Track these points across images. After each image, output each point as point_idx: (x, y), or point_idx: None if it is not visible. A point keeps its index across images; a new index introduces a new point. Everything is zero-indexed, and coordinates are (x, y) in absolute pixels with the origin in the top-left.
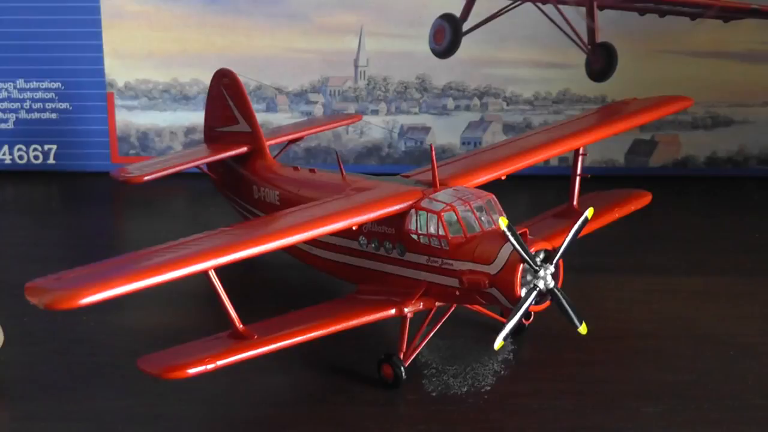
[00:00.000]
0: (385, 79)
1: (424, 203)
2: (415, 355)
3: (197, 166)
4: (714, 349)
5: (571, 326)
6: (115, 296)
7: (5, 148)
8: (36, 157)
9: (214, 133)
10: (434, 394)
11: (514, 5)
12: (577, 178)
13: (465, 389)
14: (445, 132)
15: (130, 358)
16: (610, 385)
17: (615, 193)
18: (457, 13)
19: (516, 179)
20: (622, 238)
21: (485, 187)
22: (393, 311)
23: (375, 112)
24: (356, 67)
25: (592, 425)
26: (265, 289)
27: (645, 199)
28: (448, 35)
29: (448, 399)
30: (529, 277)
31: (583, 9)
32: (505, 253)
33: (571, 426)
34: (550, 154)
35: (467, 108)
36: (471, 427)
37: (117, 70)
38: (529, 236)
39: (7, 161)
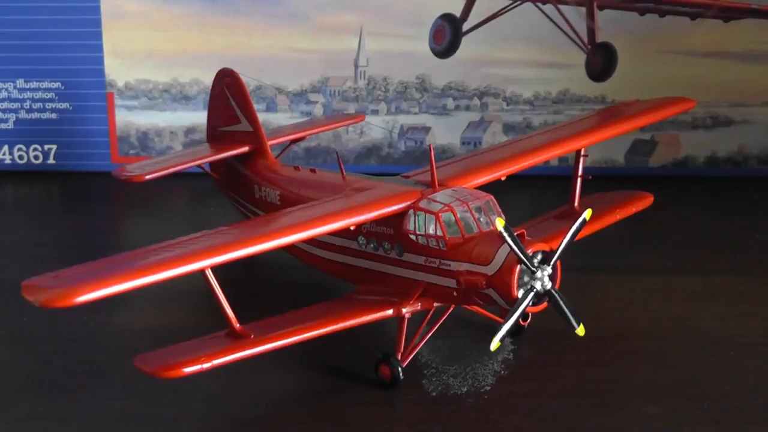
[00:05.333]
0: (385, 79)
1: (422, 204)
2: (413, 355)
3: (199, 166)
4: (714, 349)
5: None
6: (111, 295)
7: (5, 148)
8: (36, 157)
9: (216, 133)
10: (434, 394)
11: (514, 5)
12: (578, 180)
13: (465, 389)
14: (445, 132)
15: (130, 358)
16: (610, 385)
17: (616, 195)
18: (457, 13)
19: (516, 179)
20: (622, 238)
21: (485, 187)
22: (391, 311)
23: (375, 112)
24: (356, 67)
25: (592, 425)
26: (266, 289)
27: (646, 201)
28: (448, 35)
29: (448, 399)
30: (526, 279)
31: (583, 9)
32: (502, 254)
33: (571, 426)
34: (552, 155)
35: (467, 108)
36: (471, 427)
37: (117, 70)
38: (526, 237)
39: (7, 161)
